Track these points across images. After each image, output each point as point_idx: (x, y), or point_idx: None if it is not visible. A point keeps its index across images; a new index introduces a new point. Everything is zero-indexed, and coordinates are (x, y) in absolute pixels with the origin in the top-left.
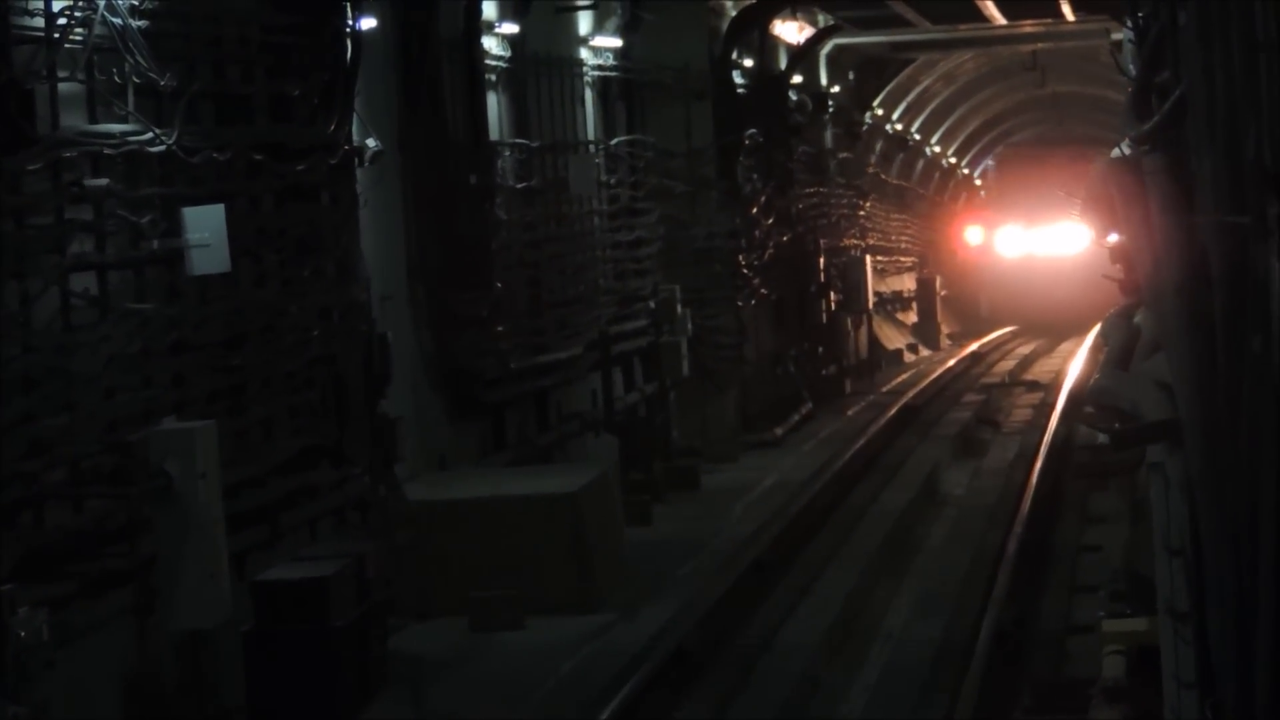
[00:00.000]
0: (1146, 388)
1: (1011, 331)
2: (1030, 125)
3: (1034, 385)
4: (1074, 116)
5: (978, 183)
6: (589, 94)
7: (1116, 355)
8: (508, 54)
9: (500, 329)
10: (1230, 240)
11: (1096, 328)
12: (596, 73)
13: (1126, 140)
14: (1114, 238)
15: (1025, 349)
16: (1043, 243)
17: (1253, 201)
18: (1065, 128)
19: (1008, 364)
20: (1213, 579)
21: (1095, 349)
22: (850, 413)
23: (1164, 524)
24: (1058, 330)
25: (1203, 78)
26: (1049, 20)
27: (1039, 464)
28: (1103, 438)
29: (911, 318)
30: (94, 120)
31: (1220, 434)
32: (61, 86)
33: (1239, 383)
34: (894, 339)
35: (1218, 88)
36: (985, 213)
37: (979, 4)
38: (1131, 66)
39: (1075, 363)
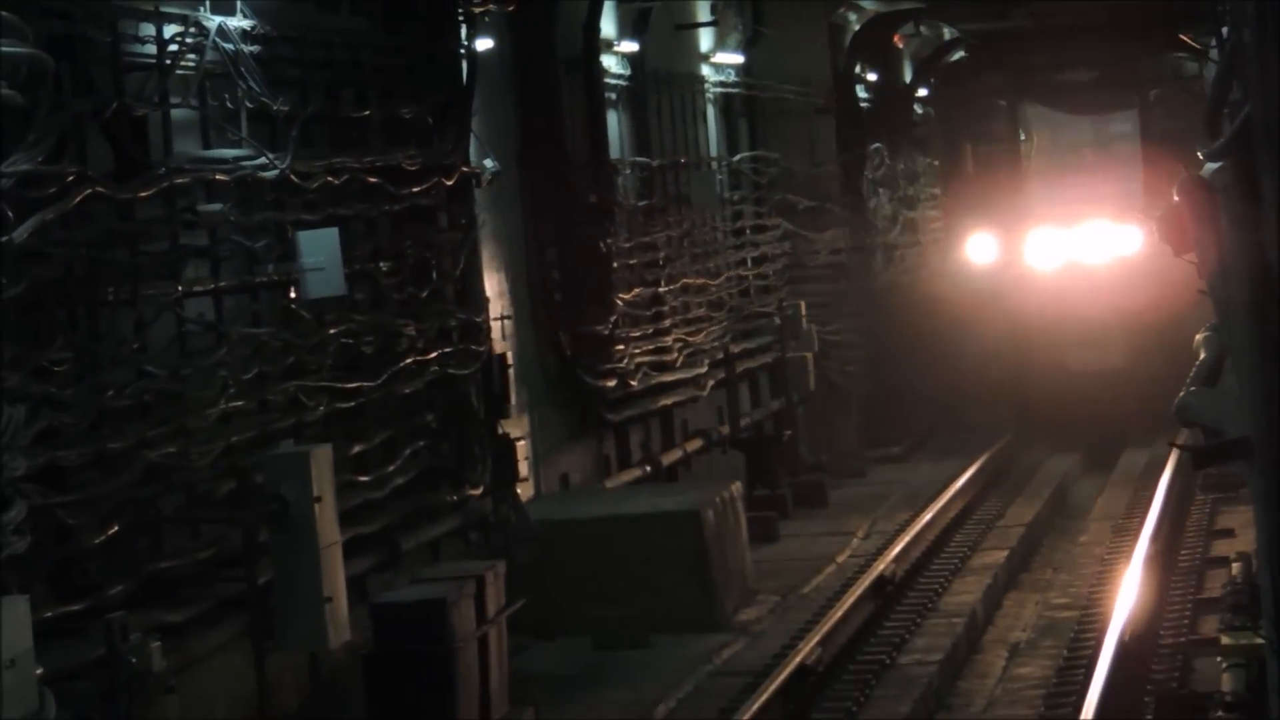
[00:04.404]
0: (1229, 405)
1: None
2: None
3: None
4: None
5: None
6: (711, 110)
7: (1205, 372)
8: (628, 72)
9: (622, 347)
10: None
11: None
12: (718, 89)
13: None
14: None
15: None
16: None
17: None
18: None
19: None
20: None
21: None
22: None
23: (1265, 539)
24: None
25: (1264, 95)
26: None
27: (1167, 476)
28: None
29: None
30: (207, 146)
31: None
32: (174, 113)
33: None
34: None
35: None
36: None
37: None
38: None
39: None
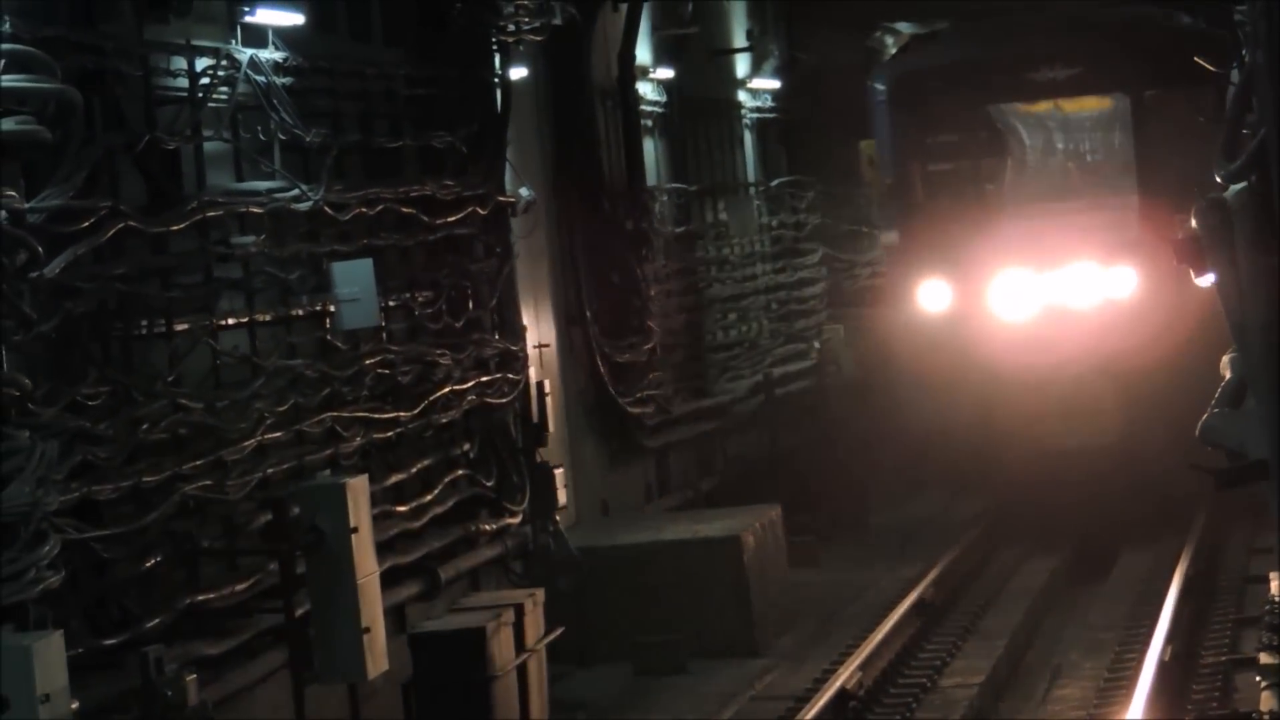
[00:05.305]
0: (1253, 426)
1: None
2: None
3: None
4: None
5: None
6: (748, 136)
7: (1230, 392)
8: (663, 99)
9: (660, 374)
10: None
11: None
12: (755, 115)
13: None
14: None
15: None
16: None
17: None
18: None
19: None
20: None
21: None
22: None
23: None
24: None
25: (1276, 116)
26: None
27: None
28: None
29: None
30: (240, 178)
31: None
32: (207, 145)
33: None
34: None
35: None
36: None
37: None
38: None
39: None
